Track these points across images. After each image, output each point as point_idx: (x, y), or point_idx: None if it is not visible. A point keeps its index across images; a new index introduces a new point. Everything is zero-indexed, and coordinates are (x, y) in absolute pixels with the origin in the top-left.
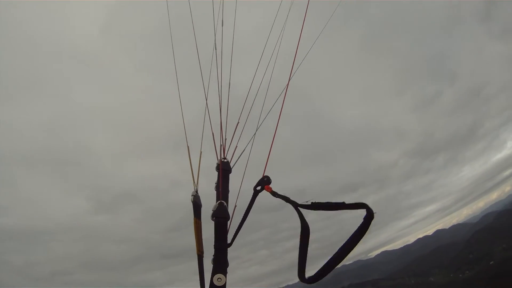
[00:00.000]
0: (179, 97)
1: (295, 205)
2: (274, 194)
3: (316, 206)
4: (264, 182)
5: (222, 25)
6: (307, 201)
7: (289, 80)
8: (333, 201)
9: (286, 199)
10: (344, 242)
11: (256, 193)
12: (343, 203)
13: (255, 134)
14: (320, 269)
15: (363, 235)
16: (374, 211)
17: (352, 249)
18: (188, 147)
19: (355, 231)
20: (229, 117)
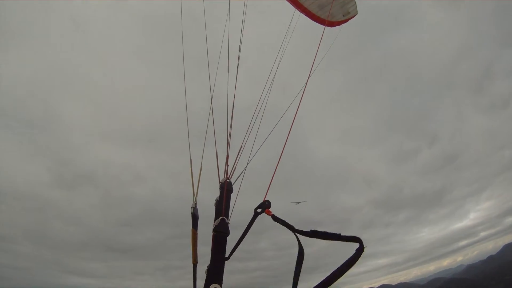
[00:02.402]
0: (187, 115)
1: (294, 230)
2: (274, 218)
3: (313, 233)
4: (265, 206)
5: (240, 50)
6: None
7: (297, 109)
8: (330, 231)
9: (286, 224)
10: (335, 269)
11: (256, 214)
12: (339, 234)
13: (247, 165)
14: None
15: (353, 264)
16: (365, 246)
17: (341, 275)
18: (191, 160)
19: (347, 260)
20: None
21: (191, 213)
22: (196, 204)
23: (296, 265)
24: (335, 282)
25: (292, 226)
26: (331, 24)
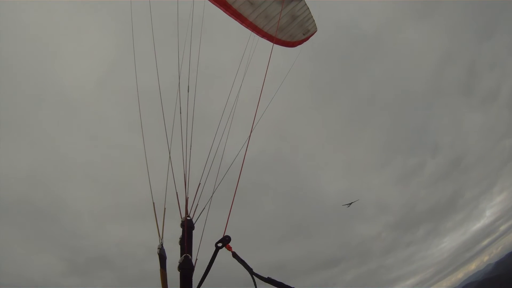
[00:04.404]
0: (146, 158)
1: (251, 273)
2: (234, 255)
3: (269, 280)
4: (226, 241)
5: (188, 91)
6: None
7: (249, 136)
8: (287, 283)
9: (244, 264)
10: None
11: (217, 249)
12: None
13: (211, 196)
14: None
15: None
16: None
17: None
18: (153, 203)
19: None
20: (195, 177)
21: (158, 253)
22: (162, 244)
23: None
24: None
25: (251, 268)
26: (293, 44)
